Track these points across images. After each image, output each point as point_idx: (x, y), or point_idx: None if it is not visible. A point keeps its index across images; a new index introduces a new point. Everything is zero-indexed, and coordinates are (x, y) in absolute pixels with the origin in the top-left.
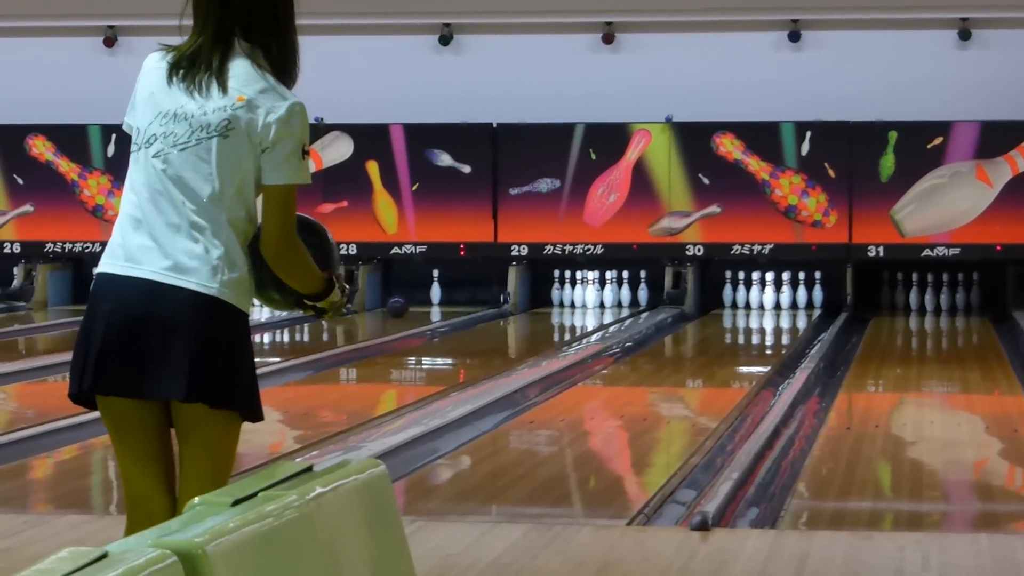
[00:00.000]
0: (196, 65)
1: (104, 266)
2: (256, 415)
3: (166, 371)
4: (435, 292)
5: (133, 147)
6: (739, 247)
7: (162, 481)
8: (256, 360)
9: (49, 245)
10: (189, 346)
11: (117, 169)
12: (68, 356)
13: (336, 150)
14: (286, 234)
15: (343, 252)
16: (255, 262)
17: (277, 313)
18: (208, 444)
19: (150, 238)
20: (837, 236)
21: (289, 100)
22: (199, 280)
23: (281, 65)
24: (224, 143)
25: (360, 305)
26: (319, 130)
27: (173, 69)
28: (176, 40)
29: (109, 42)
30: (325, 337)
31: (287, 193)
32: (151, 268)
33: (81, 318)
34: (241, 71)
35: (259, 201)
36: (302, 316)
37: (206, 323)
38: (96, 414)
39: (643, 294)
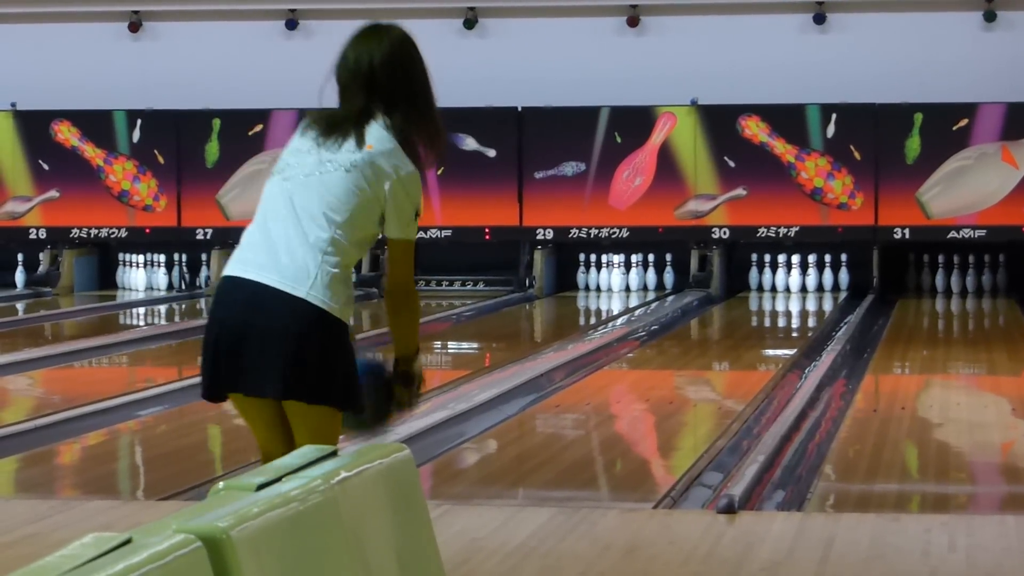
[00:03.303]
0: (338, 125)
1: (226, 269)
2: (355, 406)
3: (266, 373)
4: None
5: (271, 176)
6: (765, 230)
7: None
8: None
9: (75, 231)
10: (286, 349)
11: (142, 155)
12: (94, 342)
13: None
14: (406, 279)
15: None
16: None
17: None
18: (311, 430)
19: (268, 250)
20: (863, 218)
21: (411, 168)
22: (306, 290)
23: (429, 146)
24: (347, 177)
25: None
26: None
27: (316, 123)
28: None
29: (134, 27)
30: (351, 321)
31: (407, 246)
32: (264, 276)
33: (108, 303)
34: (375, 132)
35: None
36: None
37: (306, 328)
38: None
39: (669, 277)
